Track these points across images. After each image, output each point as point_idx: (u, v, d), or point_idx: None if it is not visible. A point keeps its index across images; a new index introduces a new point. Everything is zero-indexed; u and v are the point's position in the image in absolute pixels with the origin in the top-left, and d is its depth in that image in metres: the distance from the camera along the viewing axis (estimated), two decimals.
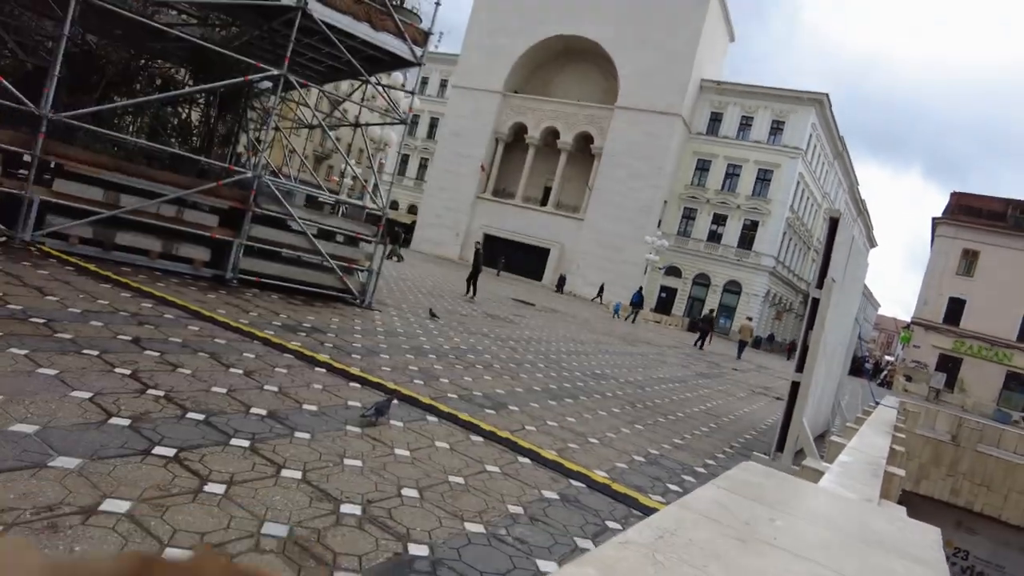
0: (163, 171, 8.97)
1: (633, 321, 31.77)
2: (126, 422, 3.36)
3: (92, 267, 7.38)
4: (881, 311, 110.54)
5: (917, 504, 10.82)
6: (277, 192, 9.59)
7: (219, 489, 2.91)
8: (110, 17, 9.20)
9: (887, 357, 61.87)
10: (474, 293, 18.65)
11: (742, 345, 26.21)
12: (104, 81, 9.18)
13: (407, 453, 4.13)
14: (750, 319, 32.62)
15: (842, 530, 1.74)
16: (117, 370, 4.16)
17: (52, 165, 7.89)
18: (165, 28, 9.67)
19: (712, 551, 1.36)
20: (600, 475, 4.76)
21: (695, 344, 25.03)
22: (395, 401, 4.87)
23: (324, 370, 5.72)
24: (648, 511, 4.24)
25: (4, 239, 7.38)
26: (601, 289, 41.75)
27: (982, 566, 14.11)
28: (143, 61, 10.63)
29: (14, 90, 7.32)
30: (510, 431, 5.28)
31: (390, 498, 3.37)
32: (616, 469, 5.07)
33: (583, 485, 4.44)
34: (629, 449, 5.84)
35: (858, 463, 3.78)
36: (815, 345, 6.62)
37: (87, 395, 3.58)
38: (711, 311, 32.91)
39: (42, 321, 4.79)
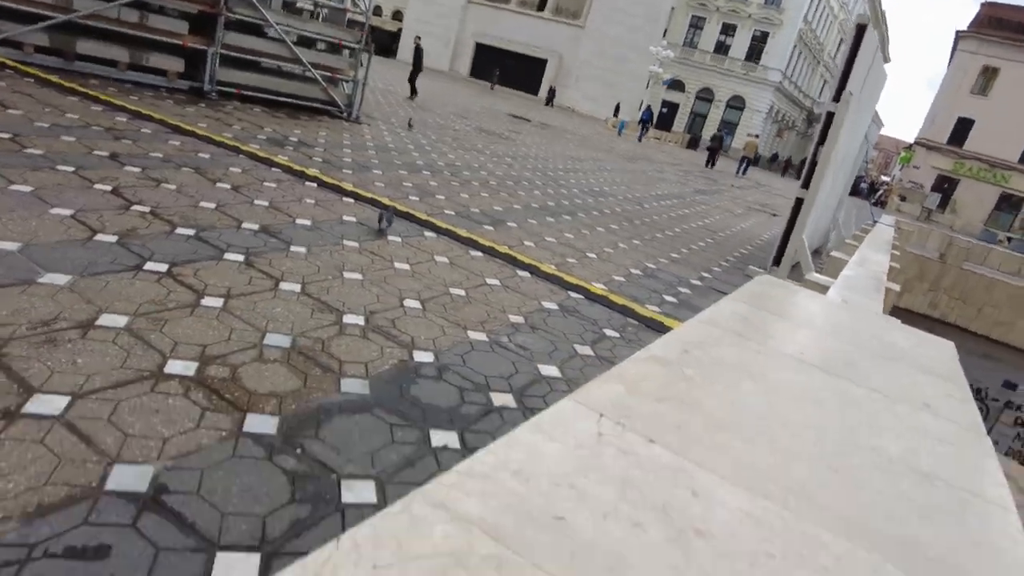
0: None
1: (640, 139, 30.88)
2: (113, 239, 3.23)
3: (55, 79, 6.80)
4: (883, 131, 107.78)
5: (897, 316, 11.29)
6: None
7: (217, 303, 2.85)
8: None
9: (883, 178, 61.53)
10: (413, 93, 17.87)
11: (744, 161, 26.15)
12: None
13: (407, 267, 4.07)
14: (756, 136, 31.92)
15: (864, 346, 1.68)
16: (97, 186, 3.95)
17: None
18: None
19: (742, 367, 1.29)
20: (598, 287, 4.78)
21: (706, 164, 25.09)
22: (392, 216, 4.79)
23: (315, 185, 5.50)
24: (644, 320, 4.30)
25: None
26: (617, 108, 39.05)
27: None
28: None
29: None
30: (509, 246, 5.22)
31: (392, 309, 3.35)
32: (614, 282, 5.09)
33: (581, 296, 4.46)
34: (627, 263, 5.84)
35: (861, 277, 3.76)
36: (824, 161, 6.40)
37: (68, 212, 3.40)
38: (720, 131, 32.07)
39: (7, 135, 4.45)
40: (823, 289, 3.62)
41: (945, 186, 38.59)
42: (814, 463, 0.98)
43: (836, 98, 6.51)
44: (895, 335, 1.91)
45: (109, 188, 4.00)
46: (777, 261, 6.60)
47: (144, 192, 4.11)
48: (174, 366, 2.25)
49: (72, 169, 4.17)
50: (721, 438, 0.97)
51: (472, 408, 2.52)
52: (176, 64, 8.36)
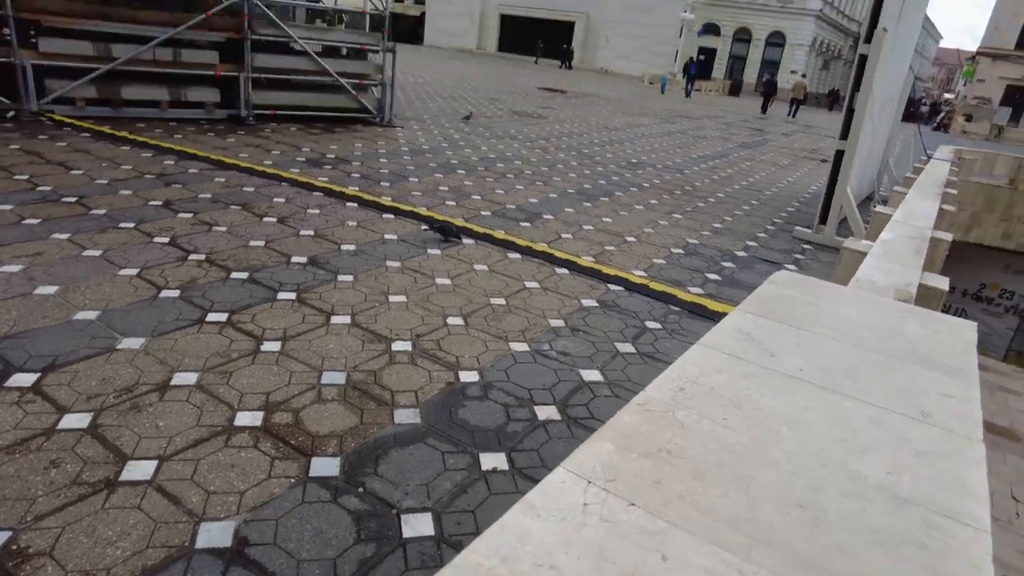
0: (148, 11, 8.36)
1: (689, 94, 30.21)
2: (176, 293, 3.52)
3: (107, 129, 7.28)
4: (943, 44, 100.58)
5: (966, 252, 10.78)
6: (270, 13, 8.90)
7: (275, 347, 3.10)
8: None
9: (946, 95, 57.70)
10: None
11: (794, 103, 25.71)
12: None
13: (448, 281, 4.25)
14: (804, 76, 30.94)
15: (871, 347, 1.73)
16: (156, 239, 4.28)
17: (33, 26, 7.44)
18: None
19: (733, 397, 1.39)
20: (638, 275, 4.84)
21: (762, 110, 25.78)
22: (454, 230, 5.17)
23: (355, 204, 5.74)
24: (686, 305, 4.35)
25: (13, 113, 7.26)
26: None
27: None
28: None
29: None
30: (546, 243, 5.33)
31: (437, 329, 3.54)
32: (654, 266, 5.14)
33: (621, 288, 4.54)
34: (667, 243, 5.85)
35: (901, 239, 3.70)
36: (861, 108, 6.19)
37: (134, 271, 3.72)
38: (772, 75, 31.38)
39: (74, 199, 4.86)
40: (861, 258, 3.60)
41: (1016, 97, 35.94)
42: (783, 502, 1.08)
43: (868, 38, 6.27)
44: (910, 326, 1.95)
45: (167, 240, 4.33)
46: (823, 219, 6.46)
47: (198, 239, 4.42)
48: (243, 418, 2.50)
49: (132, 225, 4.52)
50: (697, 489, 1.09)
51: (518, 425, 2.68)
52: (212, 95, 8.77)
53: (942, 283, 3.29)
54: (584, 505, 1.02)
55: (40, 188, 5.01)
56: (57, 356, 2.77)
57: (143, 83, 8.17)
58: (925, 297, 3.12)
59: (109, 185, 5.32)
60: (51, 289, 3.39)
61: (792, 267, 5.68)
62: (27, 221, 4.32)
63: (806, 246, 6.41)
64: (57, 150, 6.16)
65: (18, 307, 3.16)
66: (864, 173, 7.98)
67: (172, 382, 2.68)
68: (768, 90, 26.63)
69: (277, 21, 8.96)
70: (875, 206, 6.27)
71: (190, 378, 2.73)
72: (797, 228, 6.83)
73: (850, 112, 6.39)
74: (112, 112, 7.91)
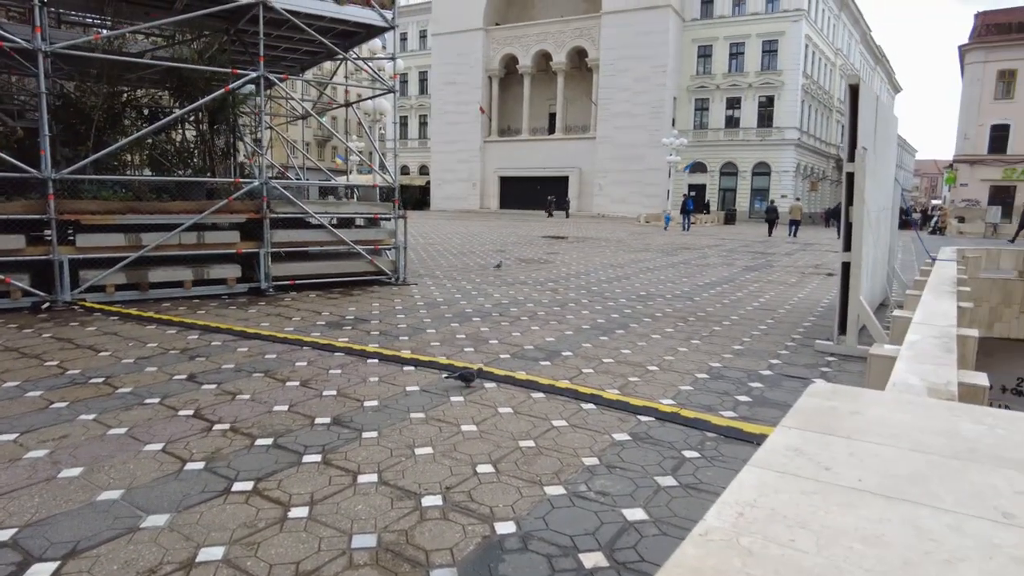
0: (174, 201, 9.01)
1: (687, 228, 31.77)
2: (200, 465, 3.46)
3: (134, 311, 7.55)
4: (919, 156, 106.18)
5: (993, 348, 10.55)
6: (287, 193, 9.56)
7: (303, 512, 2.98)
8: (80, 60, 9.11)
9: (934, 201, 59.59)
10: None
11: (793, 224, 28.47)
12: (93, 126, 9.16)
13: (474, 428, 4.16)
14: (798, 199, 33.43)
15: (930, 449, 1.65)
16: (180, 413, 4.28)
17: (71, 225, 8.01)
18: (135, 60, 9.53)
19: (797, 517, 1.30)
20: (667, 404, 4.73)
21: (769, 234, 28.44)
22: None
23: (376, 360, 5.78)
24: (721, 430, 4.21)
25: (48, 304, 7.59)
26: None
27: None
28: (124, 96, 10.55)
29: (14, 160, 7.39)
30: (569, 379, 5.28)
31: (467, 479, 3.41)
32: (681, 393, 5.04)
33: (652, 419, 4.42)
34: (690, 368, 5.79)
35: (927, 340, 3.64)
36: (858, 220, 6.38)
37: (159, 446, 3.69)
38: (772, 202, 34.39)
39: (101, 380, 4.93)
40: (891, 363, 3.52)
41: (1003, 196, 37.17)
42: None
43: (851, 157, 6.59)
44: (964, 424, 1.87)
45: (191, 412, 4.32)
46: (843, 329, 6.42)
47: (222, 408, 4.41)
48: None
49: (157, 400, 4.54)
50: None
51: None
52: (234, 271, 9.18)
53: (981, 379, 3.20)
54: None
55: (69, 372, 5.11)
56: (79, 541, 2.67)
57: (168, 266, 8.61)
58: (968, 395, 3.02)
59: (135, 364, 5.42)
60: (75, 471, 3.34)
61: (820, 380, 5.55)
62: (55, 405, 4.36)
63: (830, 358, 6.31)
64: (87, 335, 6.36)
65: (41, 493, 3.10)
66: (874, 283, 8.04)
67: (198, 558, 2.55)
68: (771, 216, 29.43)
69: (294, 200, 9.60)
70: (892, 311, 6.24)
71: (216, 552, 2.60)
72: (818, 341, 6.76)
73: (848, 226, 6.57)
74: (139, 295, 8.26)
